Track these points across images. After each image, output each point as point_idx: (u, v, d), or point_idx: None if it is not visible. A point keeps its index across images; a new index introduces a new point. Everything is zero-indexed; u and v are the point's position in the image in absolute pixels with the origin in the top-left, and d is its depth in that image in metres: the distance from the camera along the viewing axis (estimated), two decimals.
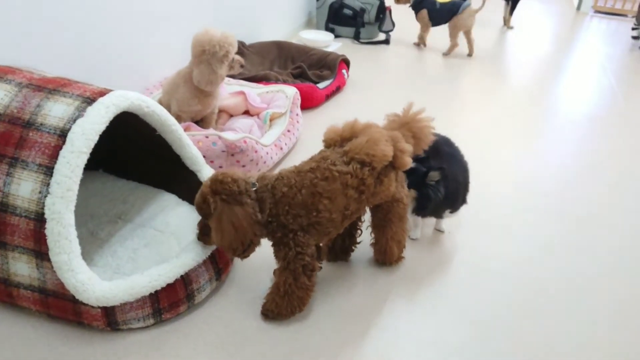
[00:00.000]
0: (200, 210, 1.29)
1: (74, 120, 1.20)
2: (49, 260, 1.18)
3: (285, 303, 1.36)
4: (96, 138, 1.20)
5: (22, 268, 1.21)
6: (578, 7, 5.63)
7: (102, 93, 1.27)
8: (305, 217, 1.30)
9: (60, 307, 1.25)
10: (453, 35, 3.65)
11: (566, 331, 1.44)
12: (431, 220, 1.81)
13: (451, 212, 1.72)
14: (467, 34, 3.68)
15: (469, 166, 1.73)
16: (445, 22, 3.66)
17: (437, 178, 1.57)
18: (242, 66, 1.98)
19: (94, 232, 1.54)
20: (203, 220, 1.31)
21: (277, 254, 1.35)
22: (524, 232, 1.85)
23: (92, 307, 1.23)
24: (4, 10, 1.54)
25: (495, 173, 2.22)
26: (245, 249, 1.28)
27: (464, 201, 1.73)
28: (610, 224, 1.94)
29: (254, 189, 1.28)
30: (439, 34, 3.80)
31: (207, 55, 1.86)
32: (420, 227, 1.77)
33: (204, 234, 1.34)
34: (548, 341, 1.40)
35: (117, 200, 1.68)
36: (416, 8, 3.72)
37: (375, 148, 1.35)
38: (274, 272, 1.52)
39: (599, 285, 1.63)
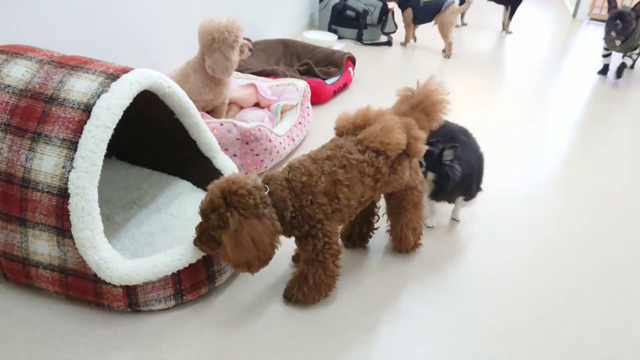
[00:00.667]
0: (206, 219, 1.19)
1: (99, 96, 1.18)
2: (71, 237, 1.16)
3: (313, 293, 1.34)
4: (120, 113, 1.19)
5: (42, 246, 1.19)
6: (574, 15, 5.71)
7: (125, 70, 1.26)
8: (328, 205, 1.27)
9: (80, 287, 1.22)
10: (444, 35, 3.72)
11: (594, 317, 1.43)
12: (447, 210, 1.81)
13: (465, 200, 1.72)
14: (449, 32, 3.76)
15: (484, 157, 1.73)
16: (429, 21, 3.75)
17: (452, 156, 1.57)
18: (250, 50, 1.96)
19: (110, 217, 1.51)
20: (206, 229, 1.21)
21: (304, 247, 1.31)
22: (541, 225, 1.85)
23: (114, 286, 1.20)
24: None
25: (506, 166, 2.22)
26: (261, 265, 1.22)
27: (478, 189, 1.72)
28: (626, 218, 1.95)
29: (266, 192, 1.22)
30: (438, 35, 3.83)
31: (217, 43, 1.85)
32: (436, 214, 1.77)
33: (203, 242, 1.23)
34: (576, 325, 1.39)
35: (131, 187, 1.66)
36: (402, 6, 3.83)
37: (390, 136, 1.32)
38: (293, 259, 1.52)
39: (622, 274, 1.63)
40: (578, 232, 1.82)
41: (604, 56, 3.68)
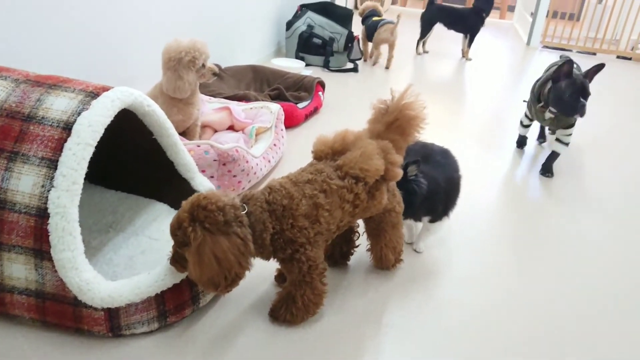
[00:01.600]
0: (174, 236, 1.17)
1: (79, 113, 1.16)
2: (50, 259, 1.12)
3: (302, 312, 1.33)
4: (102, 131, 1.17)
5: (18, 270, 1.14)
6: (528, 43, 6.00)
7: (106, 88, 1.24)
8: (310, 228, 1.25)
9: (58, 312, 1.18)
10: (375, 47, 4.26)
11: (576, 331, 1.47)
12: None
13: (431, 221, 1.69)
14: (390, 49, 4.16)
15: (459, 181, 1.72)
16: (373, 37, 4.18)
17: (415, 171, 1.56)
18: (215, 74, 1.96)
19: (86, 241, 1.46)
20: (176, 248, 1.19)
21: (289, 269, 1.29)
22: (517, 237, 1.91)
23: (95, 309, 1.16)
24: None
25: (486, 182, 2.29)
26: (229, 284, 1.16)
27: (445, 212, 1.70)
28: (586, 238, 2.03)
29: (244, 212, 1.18)
30: (410, 64, 3.96)
31: (172, 62, 1.86)
32: (414, 230, 1.79)
33: (176, 261, 1.21)
34: (558, 337, 1.43)
35: (106, 211, 1.62)
36: (363, 24, 4.34)
37: (369, 163, 1.31)
38: (276, 279, 1.50)
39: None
40: (552, 241, 1.88)
41: (524, 126, 2.68)
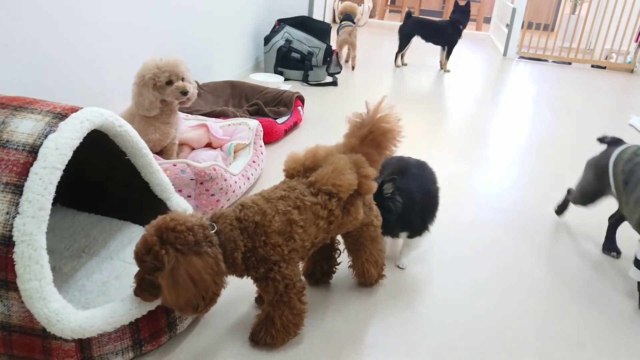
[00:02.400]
0: (141, 263, 1.11)
1: (46, 136, 1.12)
2: (16, 289, 1.06)
3: (282, 334, 1.29)
4: (70, 154, 1.13)
5: None
6: (504, 54, 6.09)
7: (74, 109, 1.20)
8: (284, 245, 1.22)
9: (26, 345, 1.12)
10: (339, 49, 4.56)
11: (562, 338, 1.45)
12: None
13: (409, 236, 1.67)
14: (352, 49, 4.52)
15: (437, 194, 1.70)
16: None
17: (392, 189, 1.54)
18: (184, 93, 1.85)
19: (57, 267, 1.41)
20: (142, 274, 1.12)
21: (265, 289, 1.25)
22: (499, 248, 1.90)
23: (65, 341, 1.11)
24: None
25: (457, 195, 2.28)
26: (207, 304, 1.13)
27: (423, 227, 1.67)
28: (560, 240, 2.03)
29: (213, 231, 1.15)
30: (389, 77, 3.97)
31: (139, 80, 1.83)
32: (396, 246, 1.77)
33: (143, 290, 1.14)
34: (544, 349, 1.41)
35: (79, 235, 1.57)
36: (337, 32, 4.68)
37: (342, 178, 1.29)
38: (256, 300, 1.46)
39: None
40: (536, 250, 1.87)
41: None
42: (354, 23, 4.61)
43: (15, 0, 1.65)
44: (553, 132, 3.38)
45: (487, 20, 8.30)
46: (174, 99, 1.89)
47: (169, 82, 1.84)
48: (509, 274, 1.74)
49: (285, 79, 3.86)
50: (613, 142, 1.90)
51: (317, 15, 4.72)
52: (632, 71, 5.83)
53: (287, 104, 2.89)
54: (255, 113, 2.80)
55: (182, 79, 1.87)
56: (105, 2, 2.10)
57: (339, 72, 4.04)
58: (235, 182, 1.90)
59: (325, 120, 3.09)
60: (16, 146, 1.11)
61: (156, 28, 2.56)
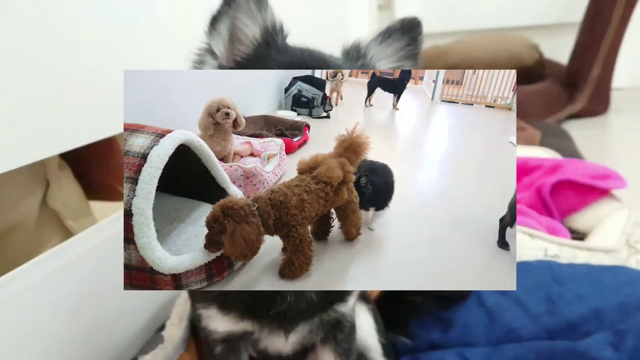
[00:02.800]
0: (210, 228, 1.11)
1: (151, 147, 1.10)
2: (133, 243, 1.05)
3: (298, 270, 1.28)
4: (166, 159, 1.11)
5: None
6: (432, 98, 6.05)
7: (169, 131, 1.19)
8: (299, 215, 1.23)
9: (140, 277, 1.11)
10: (330, 94, 4.27)
11: None
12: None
13: (376, 210, 1.65)
14: (337, 95, 4.36)
15: (393, 184, 1.69)
16: None
17: (365, 180, 1.55)
18: (227, 115, 1.77)
19: (159, 230, 1.39)
20: (211, 235, 1.12)
21: (287, 243, 1.25)
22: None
23: (165, 275, 1.10)
24: None
25: (408, 186, 2.26)
26: (252, 254, 1.13)
27: (385, 204, 1.66)
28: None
29: (255, 207, 1.15)
30: (361, 113, 3.91)
31: (204, 109, 1.80)
32: (368, 217, 1.75)
33: (211, 245, 1.13)
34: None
35: (172, 209, 1.55)
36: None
37: (333, 173, 1.31)
38: (283, 250, 1.45)
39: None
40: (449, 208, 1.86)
41: None
42: (340, 79, 4.58)
43: None
44: (461, 149, 3.37)
45: (422, 78, 8.22)
46: (221, 120, 1.82)
47: (218, 110, 1.81)
48: (435, 227, 1.73)
49: (298, 114, 3.83)
50: None
51: (317, 75, 4.68)
52: (510, 109, 5.81)
53: (299, 129, 2.87)
54: (279, 135, 2.78)
55: (228, 108, 1.83)
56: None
57: (330, 110, 4.01)
58: (268, 177, 1.88)
59: (323, 139, 3.06)
60: (134, 154, 1.10)
61: (219, 85, 2.53)
